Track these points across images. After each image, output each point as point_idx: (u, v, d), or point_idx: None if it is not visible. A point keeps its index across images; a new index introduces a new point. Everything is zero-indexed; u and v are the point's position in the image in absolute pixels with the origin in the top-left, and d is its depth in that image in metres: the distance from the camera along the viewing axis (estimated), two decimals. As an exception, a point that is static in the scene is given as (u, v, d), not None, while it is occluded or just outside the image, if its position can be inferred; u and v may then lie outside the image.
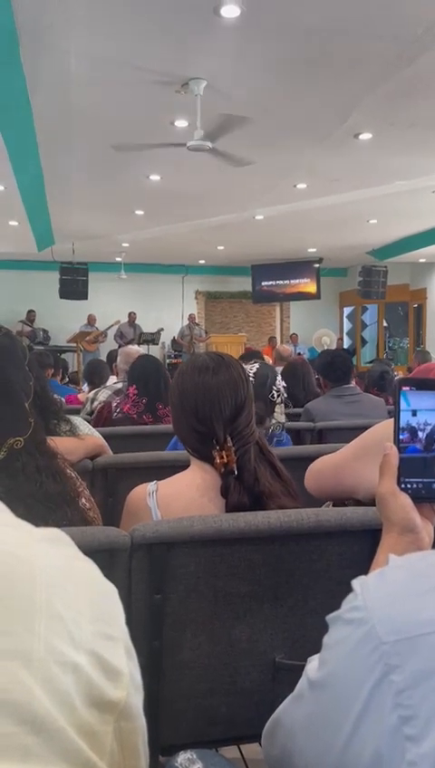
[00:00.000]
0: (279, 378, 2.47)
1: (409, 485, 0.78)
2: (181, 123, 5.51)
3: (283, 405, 2.46)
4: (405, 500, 0.77)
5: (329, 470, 1.23)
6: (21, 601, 0.41)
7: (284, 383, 2.48)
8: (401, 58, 4.31)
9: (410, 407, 0.78)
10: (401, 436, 0.78)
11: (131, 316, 12.56)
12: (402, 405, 0.78)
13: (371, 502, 1.17)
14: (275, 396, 2.39)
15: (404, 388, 0.78)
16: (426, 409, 0.77)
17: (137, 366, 3.08)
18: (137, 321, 12.60)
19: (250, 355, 4.46)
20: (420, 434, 0.78)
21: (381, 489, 0.79)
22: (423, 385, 0.78)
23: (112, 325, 11.88)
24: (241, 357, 4.33)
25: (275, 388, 2.39)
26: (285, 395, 2.48)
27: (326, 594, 1.25)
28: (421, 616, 0.49)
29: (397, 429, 0.78)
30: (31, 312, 12.49)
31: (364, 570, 0.68)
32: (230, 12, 3.71)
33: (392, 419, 0.80)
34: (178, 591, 1.20)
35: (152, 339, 12.21)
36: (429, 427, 0.77)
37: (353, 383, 3.65)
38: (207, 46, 4.17)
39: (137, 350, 4.73)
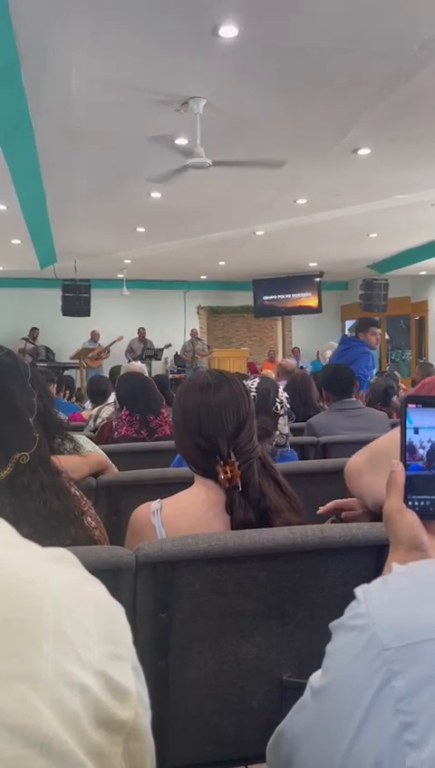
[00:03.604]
0: (281, 389, 2.48)
1: (416, 503, 0.78)
2: (181, 141, 5.56)
3: (286, 417, 2.47)
4: (412, 517, 0.77)
5: (348, 473, 1.24)
6: (28, 623, 0.41)
7: (286, 395, 2.49)
8: (399, 75, 4.35)
9: (413, 424, 0.78)
10: (406, 453, 0.78)
11: (141, 332, 12.63)
12: (407, 422, 0.78)
13: (377, 511, 1.17)
14: (279, 407, 2.39)
15: (410, 406, 0.78)
16: (428, 427, 0.78)
17: (123, 389, 3.11)
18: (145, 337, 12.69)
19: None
20: (422, 451, 0.78)
21: (387, 506, 0.78)
22: (428, 402, 0.79)
23: (115, 341, 11.91)
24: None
25: (278, 400, 2.40)
26: (288, 406, 2.48)
27: (332, 611, 1.23)
28: (424, 622, 0.49)
29: (403, 446, 0.78)
30: (34, 329, 12.54)
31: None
32: (229, 32, 3.76)
33: (397, 430, 0.80)
34: (184, 610, 1.20)
35: (154, 354, 12.25)
36: (429, 445, 0.78)
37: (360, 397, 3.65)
38: (207, 65, 4.22)
39: (140, 366, 4.75)
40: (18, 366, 1.17)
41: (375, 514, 1.16)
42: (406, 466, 0.78)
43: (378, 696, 0.48)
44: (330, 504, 1.25)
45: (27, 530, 1.05)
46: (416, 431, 0.78)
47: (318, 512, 1.27)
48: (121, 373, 4.38)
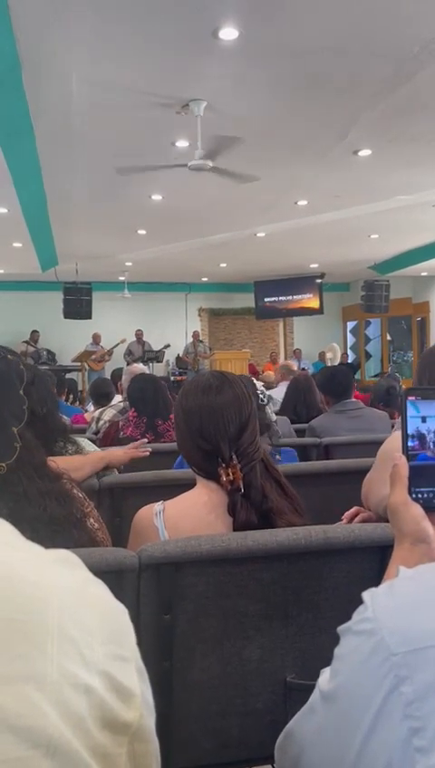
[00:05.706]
0: (257, 383, 2.47)
1: (420, 495, 0.77)
2: (182, 143, 5.57)
3: (271, 404, 2.46)
4: (417, 510, 0.76)
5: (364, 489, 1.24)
6: (33, 624, 0.41)
7: (261, 384, 2.47)
8: (399, 76, 4.36)
9: (420, 413, 0.78)
10: (410, 444, 0.78)
11: (138, 334, 12.62)
12: (411, 412, 0.77)
13: (384, 514, 1.17)
14: (263, 399, 2.38)
15: (411, 398, 0.78)
16: (433, 416, 0.77)
17: (134, 389, 3.10)
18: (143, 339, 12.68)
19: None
20: (431, 442, 0.77)
21: (392, 500, 0.78)
22: (429, 394, 0.79)
23: (118, 344, 11.92)
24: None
25: (258, 391, 2.38)
26: (267, 393, 2.48)
27: (336, 612, 1.24)
28: (431, 627, 0.49)
29: (405, 438, 0.78)
30: (35, 332, 12.55)
31: (374, 587, 0.68)
32: (229, 34, 3.77)
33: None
34: (188, 611, 1.20)
35: (156, 356, 12.25)
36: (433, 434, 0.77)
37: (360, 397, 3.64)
38: (207, 68, 4.23)
39: (141, 368, 4.74)
40: (10, 373, 1.15)
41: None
42: (410, 458, 0.78)
43: (386, 701, 0.48)
44: (352, 510, 1.26)
45: (29, 534, 1.05)
46: (423, 420, 0.77)
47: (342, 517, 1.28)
48: (123, 376, 4.38)
